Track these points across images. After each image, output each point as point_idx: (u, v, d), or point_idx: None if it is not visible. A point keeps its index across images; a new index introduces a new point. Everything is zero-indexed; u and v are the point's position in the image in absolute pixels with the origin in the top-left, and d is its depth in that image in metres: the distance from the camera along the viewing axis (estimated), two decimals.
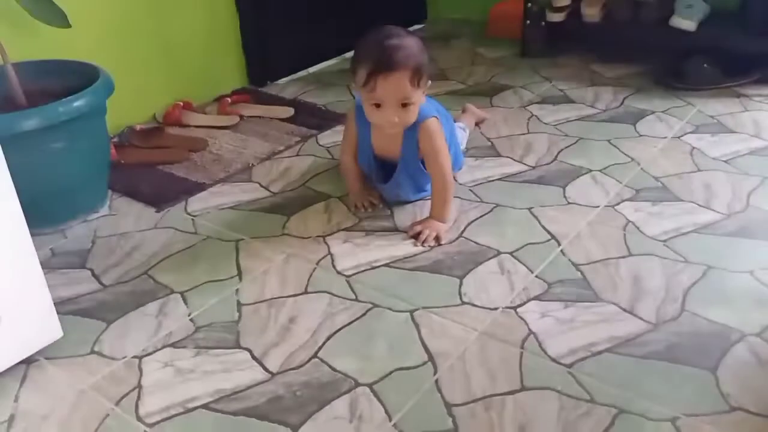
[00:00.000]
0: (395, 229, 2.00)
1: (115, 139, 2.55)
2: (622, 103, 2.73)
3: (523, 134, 2.52)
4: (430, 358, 1.53)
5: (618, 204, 2.04)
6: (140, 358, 1.59)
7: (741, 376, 1.44)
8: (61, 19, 2.04)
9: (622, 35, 3.07)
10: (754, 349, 1.50)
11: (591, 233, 1.92)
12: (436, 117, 1.98)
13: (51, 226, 2.08)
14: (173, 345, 1.62)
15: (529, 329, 1.59)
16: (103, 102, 2.08)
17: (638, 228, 1.93)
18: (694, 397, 1.39)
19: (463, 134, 2.36)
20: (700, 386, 1.41)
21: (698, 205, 2.02)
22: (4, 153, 1.42)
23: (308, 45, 3.25)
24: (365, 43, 1.91)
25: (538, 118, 2.65)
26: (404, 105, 1.88)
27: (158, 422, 1.41)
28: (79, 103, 1.97)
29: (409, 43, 1.88)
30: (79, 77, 2.09)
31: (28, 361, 1.58)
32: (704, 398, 1.38)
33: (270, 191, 2.25)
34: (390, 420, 1.38)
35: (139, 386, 1.51)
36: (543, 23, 3.20)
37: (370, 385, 1.47)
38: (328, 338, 1.60)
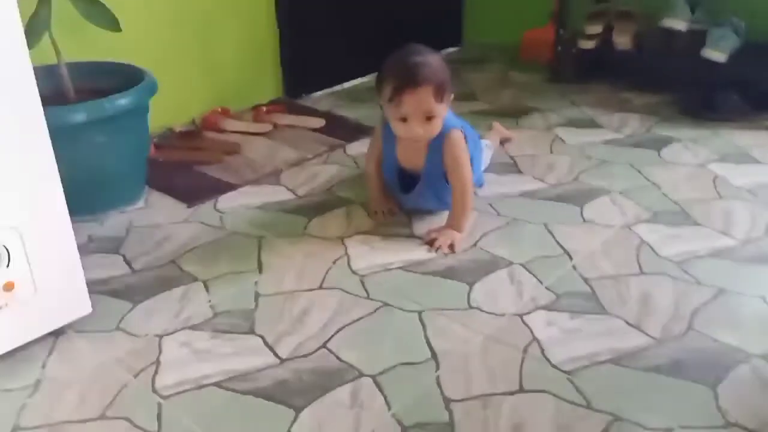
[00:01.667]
0: (411, 236, 2.00)
1: (156, 139, 2.56)
2: (648, 130, 2.69)
3: (546, 154, 2.49)
4: (434, 355, 1.52)
5: (634, 224, 2.00)
6: (161, 337, 1.61)
7: (741, 394, 1.41)
8: (112, 24, 2.06)
9: (652, 64, 3.04)
10: (757, 371, 1.46)
11: (604, 251, 1.89)
12: (460, 129, 1.97)
13: (90, 215, 2.11)
14: (192, 327, 1.64)
15: (533, 336, 1.58)
16: (145, 102, 2.12)
17: (652, 248, 1.90)
18: (692, 410, 1.37)
19: (487, 151, 2.35)
20: (699, 401, 1.39)
21: (716, 230, 1.97)
22: (52, 143, 1.45)
23: (343, 62, 3.28)
24: (391, 60, 1.94)
25: (563, 140, 2.62)
26: (428, 118, 1.89)
27: (172, 395, 1.43)
28: (123, 101, 2.02)
29: (431, 61, 1.90)
30: (125, 78, 2.13)
31: (57, 333, 1.61)
32: (701, 412, 1.36)
33: (296, 194, 2.26)
34: (389, 410, 1.38)
35: (158, 362, 1.53)
36: (574, 50, 3.17)
37: (373, 377, 1.47)
38: (338, 331, 1.61)
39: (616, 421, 1.35)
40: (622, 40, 3.06)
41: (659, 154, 2.48)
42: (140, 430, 1.38)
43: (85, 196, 1.99)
